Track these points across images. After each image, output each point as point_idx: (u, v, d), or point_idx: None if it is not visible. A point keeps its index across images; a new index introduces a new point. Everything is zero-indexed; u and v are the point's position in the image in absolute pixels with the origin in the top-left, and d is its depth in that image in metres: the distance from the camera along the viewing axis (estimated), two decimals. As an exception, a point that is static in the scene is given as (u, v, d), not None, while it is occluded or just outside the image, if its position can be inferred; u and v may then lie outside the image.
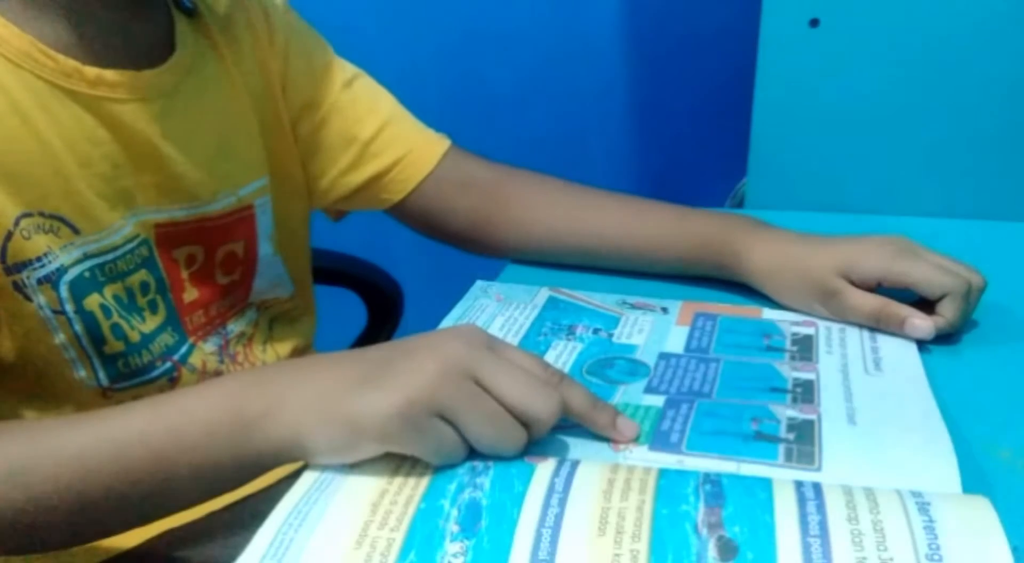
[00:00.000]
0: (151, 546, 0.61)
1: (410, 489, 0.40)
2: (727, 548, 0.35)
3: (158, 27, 0.62)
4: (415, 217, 0.77)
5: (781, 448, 0.46)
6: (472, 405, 0.42)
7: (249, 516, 0.62)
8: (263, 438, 0.43)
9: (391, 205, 0.76)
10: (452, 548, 0.37)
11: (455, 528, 0.38)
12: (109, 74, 0.56)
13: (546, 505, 0.38)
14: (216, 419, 0.44)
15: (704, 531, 0.36)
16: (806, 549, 0.34)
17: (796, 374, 0.55)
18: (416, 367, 0.42)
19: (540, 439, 0.45)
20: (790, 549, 0.35)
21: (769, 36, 0.90)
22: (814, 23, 0.89)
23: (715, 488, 0.39)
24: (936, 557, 0.33)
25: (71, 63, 0.54)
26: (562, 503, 0.38)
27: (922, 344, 0.59)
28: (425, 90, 0.86)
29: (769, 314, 0.65)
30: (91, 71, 0.55)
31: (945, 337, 0.60)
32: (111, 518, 0.46)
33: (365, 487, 0.41)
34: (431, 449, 0.42)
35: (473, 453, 0.43)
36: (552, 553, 0.36)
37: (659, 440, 0.48)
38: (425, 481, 0.41)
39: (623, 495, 0.38)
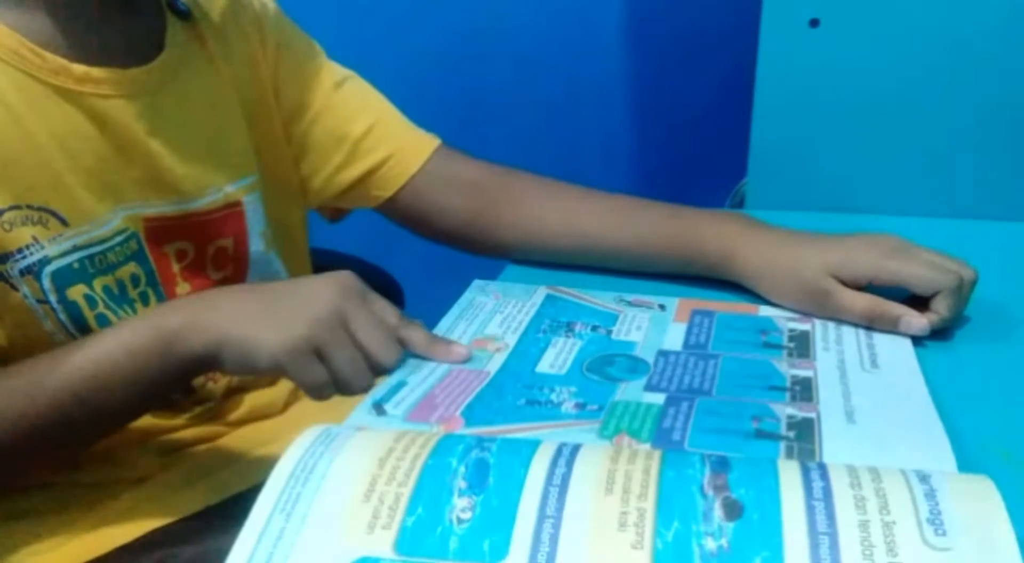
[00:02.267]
0: (146, 540, 0.61)
1: (417, 447, 0.40)
2: (732, 508, 0.35)
3: (148, 27, 0.63)
4: (407, 215, 0.77)
5: (782, 445, 0.46)
6: (339, 348, 0.52)
7: (243, 512, 0.62)
8: (183, 349, 0.52)
9: (382, 202, 0.76)
10: (460, 503, 0.37)
11: (463, 484, 0.38)
12: (96, 71, 0.57)
13: (553, 465, 0.38)
14: (139, 339, 0.53)
15: (710, 492, 0.36)
16: (810, 511, 0.35)
17: (794, 371, 0.55)
18: (302, 310, 0.52)
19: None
20: (794, 510, 0.35)
21: (769, 36, 0.90)
22: (814, 23, 0.89)
23: (720, 458, 0.39)
24: (937, 521, 0.34)
25: (59, 61, 0.56)
26: (569, 464, 0.38)
27: (917, 340, 0.59)
28: (422, 89, 0.87)
29: (766, 311, 0.65)
30: (79, 68, 0.57)
31: (940, 333, 0.60)
32: (68, 433, 0.55)
33: (371, 443, 0.41)
34: (307, 379, 0.52)
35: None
36: (559, 510, 0.36)
37: (661, 437, 0.48)
38: (432, 441, 0.41)
39: (630, 459, 0.39)
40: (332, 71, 0.75)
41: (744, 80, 0.93)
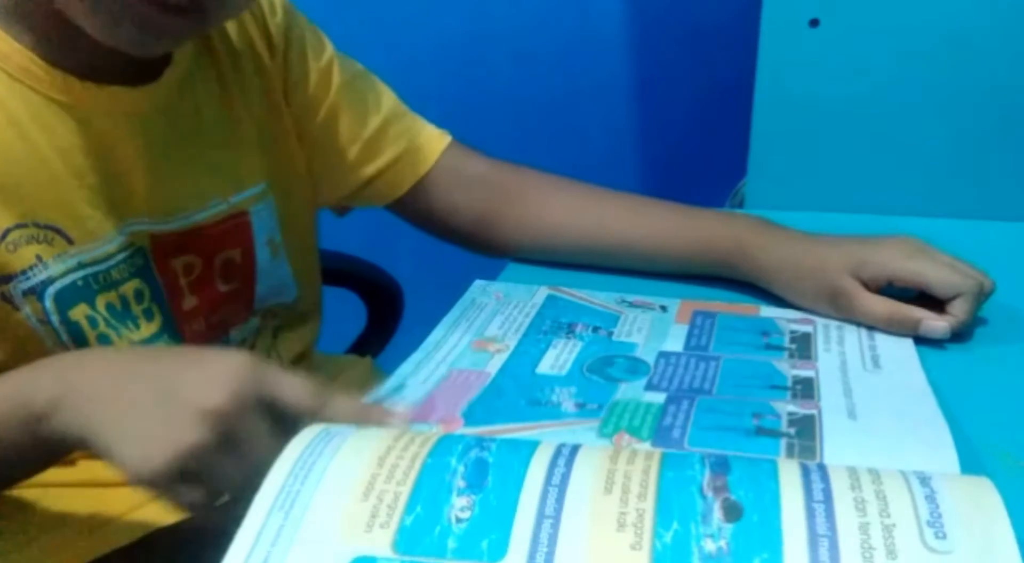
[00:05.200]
0: (146, 542, 0.61)
1: (416, 447, 0.40)
2: (732, 510, 0.35)
3: None
4: (418, 214, 0.77)
5: (783, 443, 0.46)
6: (217, 473, 0.43)
7: (244, 515, 0.62)
8: (49, 431, 0.46)
9: (393, 201, 0.76)
10: (459, 502, 0.37)
11: (462, 483, 0.38)
12: (105, 90, 0.58)
13: (553, 465, 0.38)
14: (12, 410, 0.46)
15: (710, 493, 0.36)
16: (810, 513, 0.35)
17: (796, 372, 0.55)
18: (176, 424, 0.43)
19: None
20: (794, 512, 0.35)
21: (769, 36, 0.90)
22: (814, 23, 0.89)
23: (720, 460, 0.39)
24: (938, 524, 0.34)
25: (68, 78, 0.56)
26: (569, 464, 0.38)
27: (918, 340, 0.59)
28: (426, 88, 0.86)
29: (767, 312, 0.65)
30: (88, 86, 0.57)
31: (944, 338, 0.60)
32: None
33: (371, 442, 0.41)
34: (177, 502, 0.44)
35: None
36: (558, 509, 0.36)
37: (661, 436, 0.47)
38: (432, 440, 0.41)
39: (629, 460, 0.39)
40: (341, 68, 0.74)
41: (744, 80, 0.93)
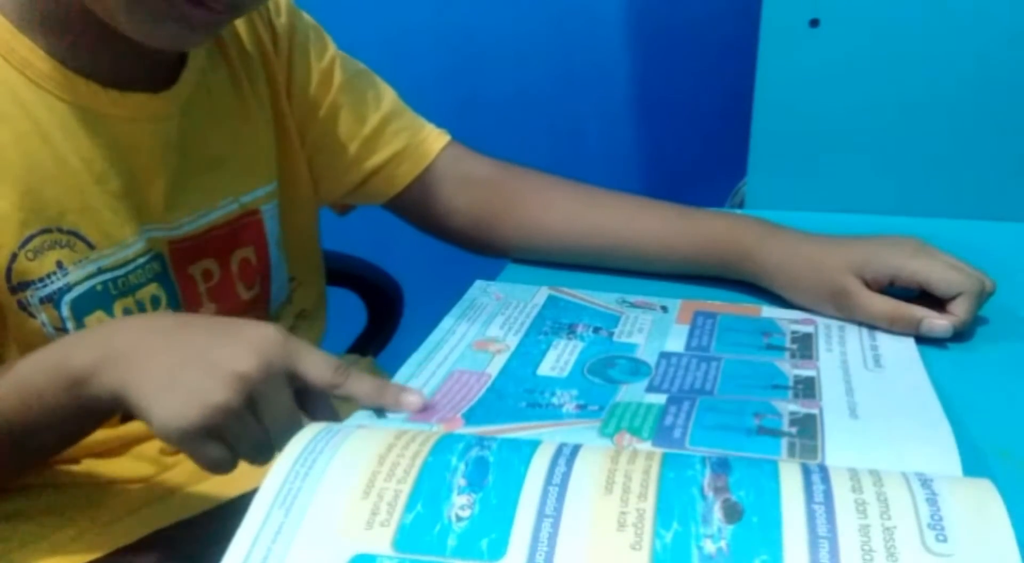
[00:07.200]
0: (146, 541, 0.61)
1: (417, 445, 0.40)
2: (732, 510, 0.35)
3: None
4: (416, 212, 0.77)
5: (784, 442, 0.46)
6: (240, 434, 0.46)
7: (244, 513, 0.62)
8: (88, 394, 0.48)
9: (390, 198, 0.76)
10: (459, 501, 0.37)
11: (462, 482, 0.38)
12: (127, 96, 0.59)
13: (553, 464, 0.38)
14: (49, 380, 0.50)
15: (710, 494, 0.36)
16: (810, 515, 0.35)
17: (797, 371, 0.55)
18: (207, 387, 0.45)
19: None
20: (795, 514, 0.35)
21: (769, 36, 0.90)
22: (814, 23, 0.89)
23: (721, 460, 0.39)
24: (939, 526, 0.34)
25: (91, 85, 0.57)
26: (569, 463, 0.38)
27: (921, 342, 0.59)
28: (426, 88, 0.86)
29: (768, 312, 0.65)
30: (110, 93, 0.58)
31: (946, 337, 0.60)
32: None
33: (372, 440, 0.41)
34: (200, 459, 0.47)
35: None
36: (559, 509, 0.36)
37: (662, 435, 0.47)
38: (432, 439, 0.41)
39: (630, 459, 0.39)
40: (343, 67, 0.74)
41: (744, 80, 0.93)
